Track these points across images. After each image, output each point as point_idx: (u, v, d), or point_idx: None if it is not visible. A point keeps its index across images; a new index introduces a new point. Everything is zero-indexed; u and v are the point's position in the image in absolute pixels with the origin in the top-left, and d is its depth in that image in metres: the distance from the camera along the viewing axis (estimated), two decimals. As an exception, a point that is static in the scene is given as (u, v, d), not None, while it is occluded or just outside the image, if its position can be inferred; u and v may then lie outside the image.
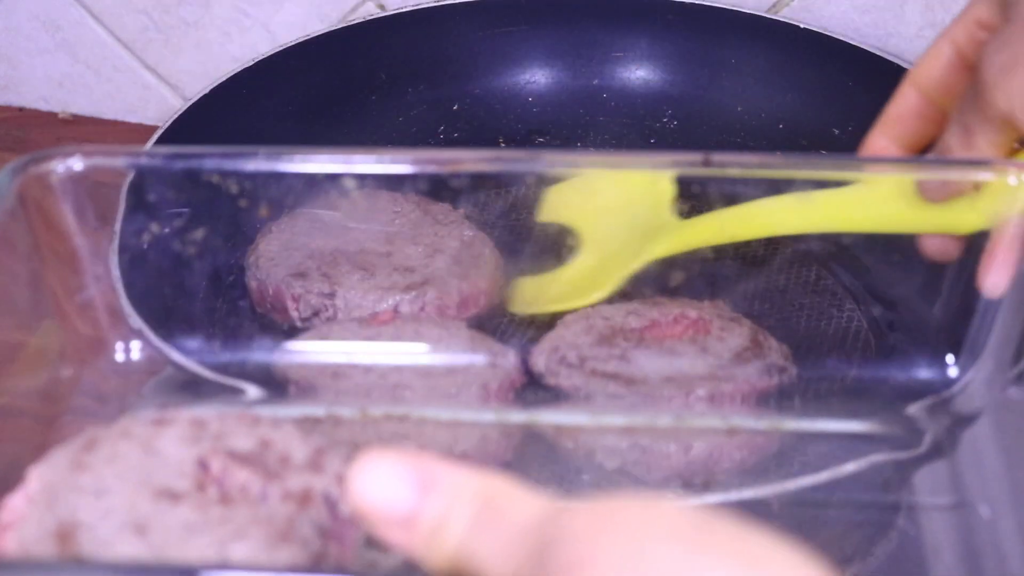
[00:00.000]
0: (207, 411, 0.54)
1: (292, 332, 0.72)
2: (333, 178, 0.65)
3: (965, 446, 0.62)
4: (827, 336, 0.74)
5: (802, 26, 0.90)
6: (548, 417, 0.65)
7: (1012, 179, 0.61)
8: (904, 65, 0.87)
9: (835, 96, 0.89)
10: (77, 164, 0.61)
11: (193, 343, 0.68)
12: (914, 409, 0.65)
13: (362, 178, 0.88)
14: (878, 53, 0.88)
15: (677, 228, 0.71)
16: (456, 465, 0.40)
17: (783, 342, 0.71)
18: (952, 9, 0.89)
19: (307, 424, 0.63)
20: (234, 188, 0.64)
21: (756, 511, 0.63)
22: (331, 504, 0.51)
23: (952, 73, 0.67)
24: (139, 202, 0.64)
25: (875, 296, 0.76)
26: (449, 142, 0.91)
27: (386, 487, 0.40)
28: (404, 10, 0.93)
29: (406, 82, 0.92)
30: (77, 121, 1.01)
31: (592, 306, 0.72)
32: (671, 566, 0.37)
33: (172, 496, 0.51)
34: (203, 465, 0.52)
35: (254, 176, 0.64)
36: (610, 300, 0.72)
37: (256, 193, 0.67)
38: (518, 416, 0.65)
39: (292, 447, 0.53)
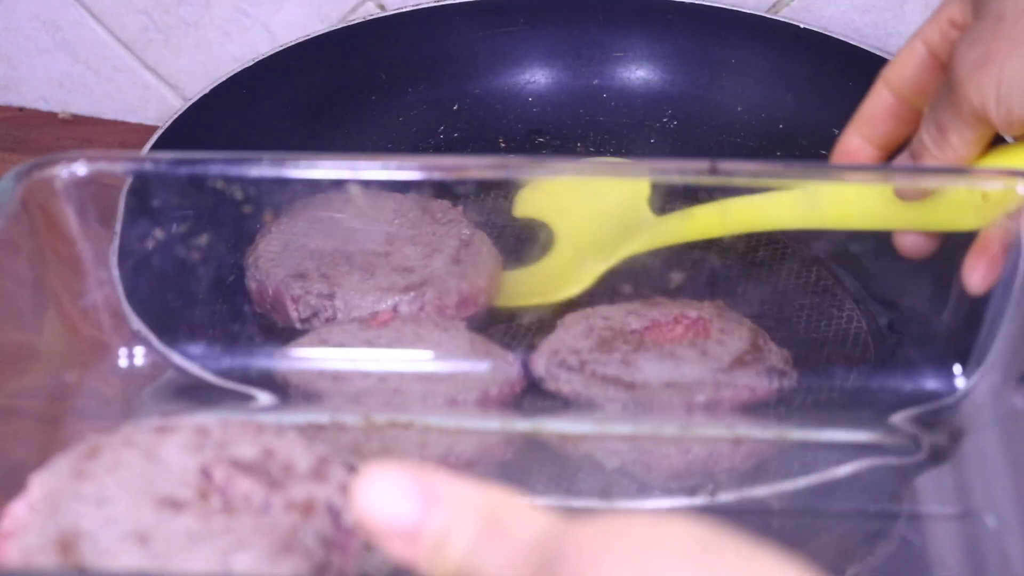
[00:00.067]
0: (210, 419, 0.54)
1: (292, 333, 0.72)
2: (335, 179, 0.65)
3: (971, 455, 0.62)
4: (827, 338, 0.74)
5: (802, 26, 0.90)
6: (553, 426, 0.65)
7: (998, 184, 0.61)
8: (904, 65, 0.87)
9: (835, 96, 0.88)
10: (81, 168, 0.61)
11: (194, 345, 0.68)
12: (916, 417, 0.64)
13: (365, 181, 0.89)
14: (878, 53, 0.88)
15: (654, 224, 0.71)
16: (461, 479, 0.40)
17: (783, 342, 0.71)
18: (952, 9, 0.90)
19: (310, 431, 0.63)
20: (237, 192, 0.65)
21: (756, 511, 0.63)
22: (334, 514, 0.51)
23: (925, 72, 0.66)
24: (139, 206, 0.64)
25: (875, 297, 0.76)
26: (449, 142, 0.91)
27: (390, 500, 0.40)
28: (404, 10, 0.93)
29: (406, 82, 0.92)
30: (77, 121, 1.01)
31: (592, 306, 0.72)
32: None
33: (175, 505, 0.51)
34: (206, 474, 0.52)
35: (258, 182, 0.64)
36: (610, 300, 0.72)
37: (258, 196, 0.67)
38: (522, 424, 0.65)
39: (295, 456, 0.53)
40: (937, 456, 0.63)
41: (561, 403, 0.67)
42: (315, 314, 0.72)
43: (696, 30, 0.92)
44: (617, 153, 0.91)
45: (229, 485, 0.52)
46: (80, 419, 0.63)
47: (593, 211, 0.75)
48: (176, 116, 0.85)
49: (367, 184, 0.87)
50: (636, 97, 0.92)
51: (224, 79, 0.88)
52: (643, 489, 0.64)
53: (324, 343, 0.70)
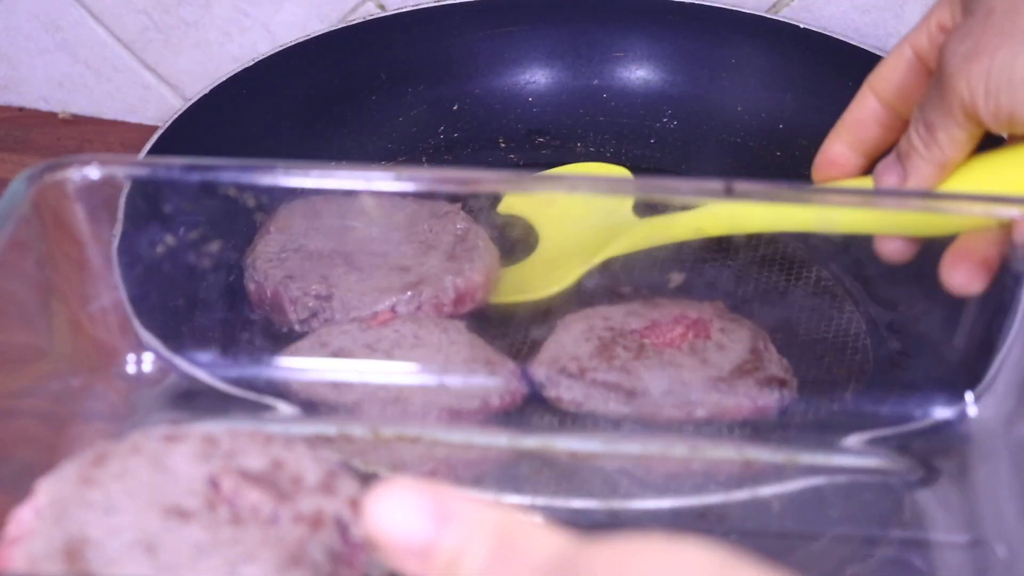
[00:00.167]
0: (218, 428, 0.54)
1: (293, 334, 0.72)
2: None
3: (982, 483, 0.62)
4: (827, 339, 0.74)
5: (802, 26, 0.91)
6: (561, 443, 0.65)
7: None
8: (904, 65, 0.87)
9: (835, 96, 0.88)
10: (93, 172, 0.61)
11: (197, 349, 0.68)
12: (926, 443, 0.64)
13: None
14: (878, 53, 0.88)
15: (637, 226, 0.71)
16: (475, 498, 0.40)
17: (783, 342, 0.71)
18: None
19: (318, 441, 0.63)
20: (240, 195, 0.65)
21: (756, 512, 0.63)
22: (343, 528, 0.51)
23: (912, 78, 0.66)
24: (140, 208, 0.64)
25: (875, 298, 0.76)
26: (449, 142, 0.91)
27: (403, 516, 0.40)
28: (404, 10, 0.93)
29: (406, 82, 0.92)
30: (77, 121, 1.01)
31: (593, 307, 0.72)
32: None
33: (182, 515, 0.51)
34: (214, 484, 0.52)
35: (270, 190, 0.65)
36: (611, 300, 0.72)
37: (262, 198, 0.68)
38: (531, 441, 0.65)
39: (304, 468, 0.53)
40: (947, 483, 0.63)
41: (562, 414, 0.67)
42: (313, 315, 0.72)
43: (696, 30, 0.92)
44: (617, 153, 0.91)
45: (237, 496, 0.52)
46: (87, 424, 0.63)
47: (576, 211, 0.75)
48: (176, 116, 0.86)
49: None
50: (636, 97, 0.92)
51: (224, 79, 0.88)
52: (643, 490, 0.64)
53: (324, 346, 0.70)
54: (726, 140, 0.90)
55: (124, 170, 0.61)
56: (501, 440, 0.65)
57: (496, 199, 0.79)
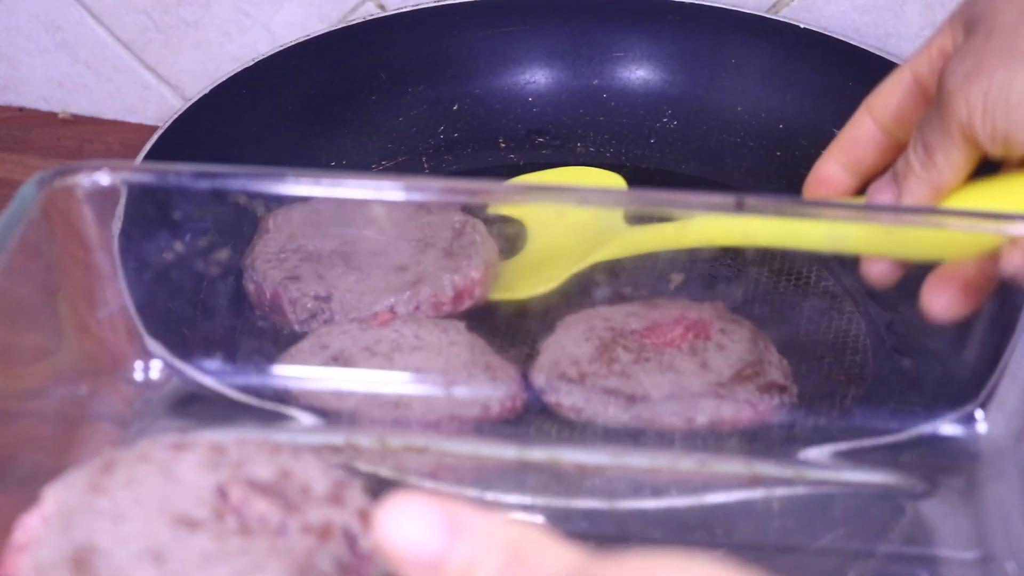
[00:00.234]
0: (226, 436, 0.54)
1: (294, 335, 0.72)
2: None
3: (991, 500, 0.62)
4: (828, 340, 0.74)
5: (802, 26, 0.91)
6: (569, 456, 0.65)
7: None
8: (904, 65, 0.87)
9: (835, 96, 0.89)
10: (104, 178, 0.61)
11: (201, 353, 0.68)
12: (936, 459, 0.64)
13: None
14: (878, 53, 0.88)
15: (627, 233, 0.71)
16: (488, 512, 0.40)
17: (783, 342, 0.71)
18: (952, 9, 0.90)
19: (325, 450, 0.63)
20: (248, 203, 0.65)
21: (757, 512, 0.63)
22: (351, 539, 0.51)
23: (910, 103, 0.66)
24: (141, 212, 0.63)
25: (876, 298, 0.76)
26: (449, 142, 0.91)
27: (415, 529, 0.40)
28: (404, 10, 0.93)
29: (406, 82, 0.92)
30: (77, 121, 1.01)
31: (594, 307, 0.72)
32: None
33: (190, 524, 0.51)
34: (222, 493, 0.52)
35: (278, 198, 0.65)
36: (611, 301, 0.73)
37: (267, 204, 0.68)
38: (539, 454, 0.65)
39: (313, 478, 0.53)
40: (955, 499, 0.63)
41: (562, 420, 0.67)
42: (313, 316, 0.72)
43: (696, 30, 0.92)
44: (617, 153, 0.91)
45: (245, 506, 0.52)
46: (93, 428, 0.63)
47: (566, 213, 0.75)
48: (176, 116, 0.86)
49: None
50: (636, 97, 0.92)
51: (224, 79, 0.88)
52: (644, 489, 0.64)
53: (324, 347, 0.70)
54: (726, 140, 0.91)
55: (133, 176, 0.61)
56: (509, 452, 0.64)
57: None
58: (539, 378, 0.69)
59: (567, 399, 0.68)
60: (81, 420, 0.63)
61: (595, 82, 0.93)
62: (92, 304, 0.63)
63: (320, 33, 0.92)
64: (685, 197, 0.65)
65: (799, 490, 0.64)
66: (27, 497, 0.53)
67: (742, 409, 0.67)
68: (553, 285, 0.73)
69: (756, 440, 0.66)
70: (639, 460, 0.65)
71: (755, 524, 0.63)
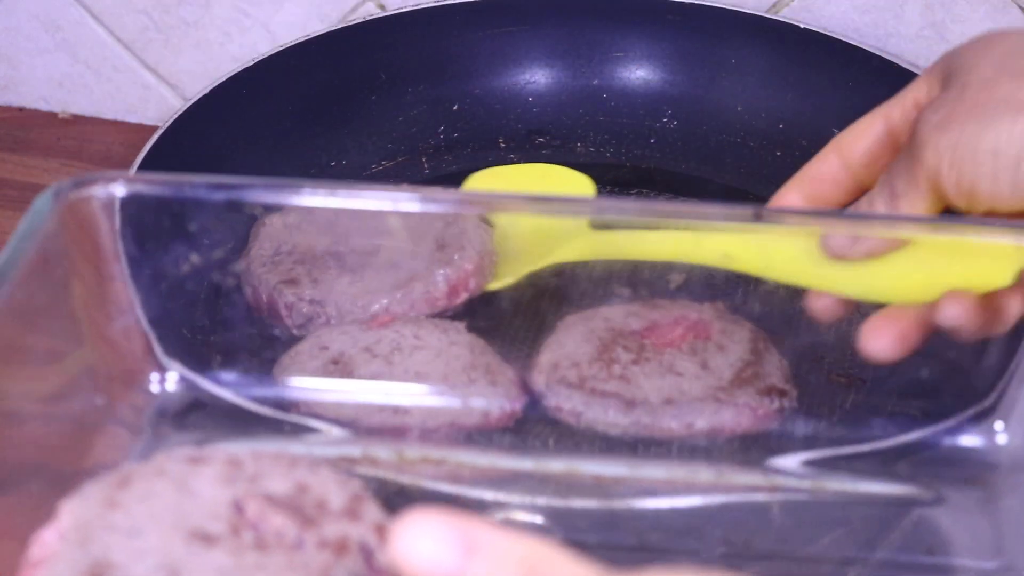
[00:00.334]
0: (242, 449, 0.54)
1: (293, 337, 0.72)
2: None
3: (1011, 510, 0.62)
4: (827, 342, 0.74)
5: (802, 26, 0.91)
6: (588, 468, 0.64)
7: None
8: (904, 65, 0.87)
9: (835, 96, 0.89)
10: (119, 190, 0.61)
11: (213, 363, 0.68)
12: (955, 469, 0.64)
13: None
14: (878, 53, 0.88)
15: (589, 237, 0.71)
16: (504, 529, 0.40)
17: (782, 343, 0.71)
18: (952, 9, 0.90)
19: (342, 464, 0.63)
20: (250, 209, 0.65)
21: (757, 510, 0.63)
22: (367, 554, 0.51)
23: (878, 149, 0.66)
24: (144, 222, 0.63)
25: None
26: (449, 142, 0.91)
27: (430, 546, 0.39)
28: (404, 10, 0.93)
29: (406, 82, 0.92)
30: (77, 121, 1.01)
31: (593, 307, 0.72)
32: None
33: (206, 539, 0.50)
34: (238, 508, 0.52)
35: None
36: (611, 302, 0.72)
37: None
38: (557, 465, 0.64)
39: (329, 492, 0.53)
40: (975, 509, 0.62)
41: (562, 425, 0.67)
42: (309, 320, 0.72)
43: (696, 30, 0.92)
44: (617, 153, 0.91)
45: (262, 520, 0.51)
46: (106, 437, 0.63)
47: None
48: (176, 116, 0.86)
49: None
50: (636, 97, 0.92)
51: (224, 79, 0.88)
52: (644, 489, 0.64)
53: (324, 348, 0.69)
54: (726, 140, 0.91)
55: (150, 188, 0.61)
56: (527, 464, 0.64)
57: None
58: (539, 381, 0.68)
59: (567, 403, 0.67)
60: (97, 429, 0.63)
61: (595, 82, 0.93)
62: (107, 314, 0.63)
63: (320, 33, 0.92)
64: (703, 209, 0.65)
65: (806, 497, 0.64)
66: (42, 504, 0.53)
67: (742, 413, 0.66)
68: (509, 282, 0.73)
69: (755, 445, 0.66)
70: (656, 471, 0.65)
71: (759, 529, 0.63)
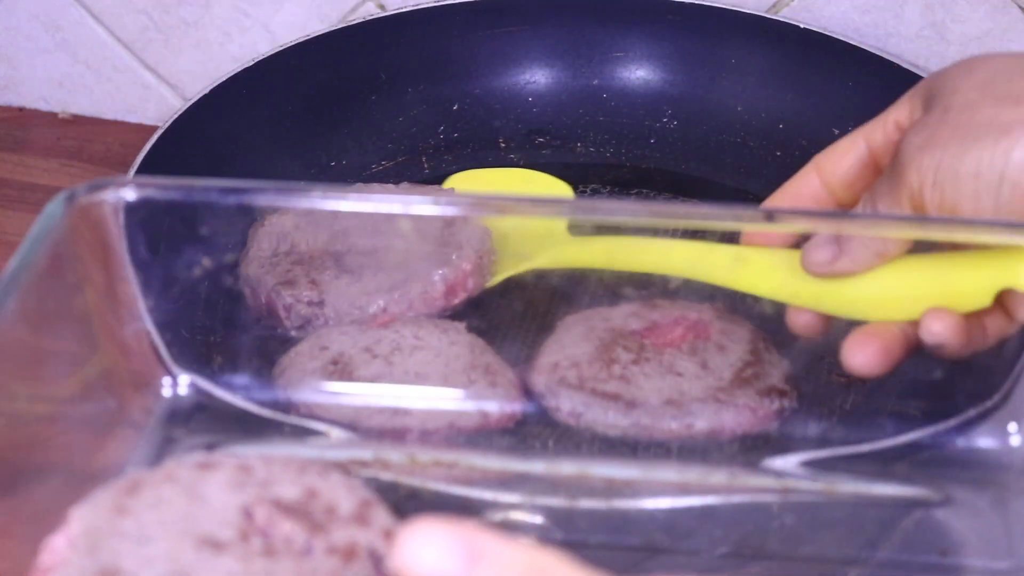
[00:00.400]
0: (252, 454, 0.54)
1: (294, 338, 0.72)
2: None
3: (1021, 511, 0.62)
4: (827, 342, 0.74)
5: (802, 26, 0.91)
6: (600, 470, 0.64)
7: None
8: (904, 65, 0.87)
9: (835, 96, 0.89)
10: (131, 194, 0.61)
11: (221, 366, 0.68)
12: (969, 471, 0.64)
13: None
14: (878, 53, 0.88)
15: (567, 244, 0.71)
16: (508, 538, 0.40)
17: (782, 343, 0.70)
18: (952, 9, 0.90)
19: (353, 467, 0.63)
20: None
21: (758, 510, 0.63)
22: (376, 560, 0.50)
23: (858, 170, 0.66)
24: (149, 227, 0.63)
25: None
26: (449, 142, 0.91)
27: (434, 555, 0.39)
28: (404, 10, 0.93)
29: (406, 82, 0.92)
30: (77, 121, 1.01)
31: (593, 307, 0.72)
32: None
33: (215, 545, 0.50)
34: (248, 514, 0.52)
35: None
36: (611, 302, 0.72)
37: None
38: (568, 468, 0.64)
39: (339, 498, 0.53)
40: (987, 511, 0.62)
41: (562, 426, 0.67)
42: (307, 322, 0.72)
43: (696, 30, 0.92)
44: (617, 153, 0.91)
45: (271, 526, 0.51)
46: (121, 442, 0.63)
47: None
48: (176, 116, 0.86)
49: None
50: (636, 97, 0.92)
51: (224, 79, 0.88)
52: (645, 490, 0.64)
53: (324, 348, 0.69)
54: (726, 140, 0.91)
55: (161, 193, 0.61)
56: (538, 467, 0.64)
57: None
58: (539, 382, 0.68)
59: (566, 404, 0.67)
60: (108, 431, 0.63)
61: (595, 82, 0.93)
62: (119, 318, 0.63)
63: (320, 33, 0.92)
64: (713, 210, 0.65)
65: (812, 498, 0.64)
66: (53, 506, 0.53)
67: (742, 414, 0.66)
68: (500, 278, 0.74)
69: (757, 445, 0.66)
70: (669, 474, 0.65)
71: (763, 530, 0.63)
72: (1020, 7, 0.89)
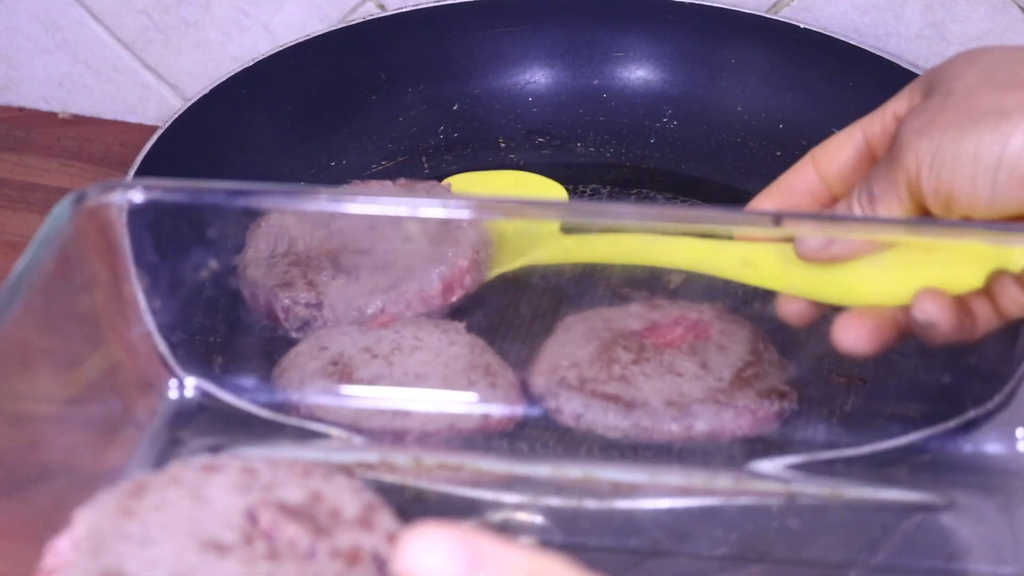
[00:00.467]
0: (257, 456, 0.54)
1: (295, 339, 0.72)
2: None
3: None
4: (827, 341, 0.74)
5: (802, 26, 0.91)
6: (605, 474, 0.64)
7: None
8: (904, 65, 0.87)
9: (835, 96, 0.89)
10: (137, 196, 0.61)
11: (224, 367, 0.68)
12: (975, 476, 0.64)
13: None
14: (878, 53, 0.88)
15: (558, 240, 0.71)
16: (511, 544, 0.40)
17: (782, 343, 0.71)
18: (952, 9, 0.90)
19: (358, 470, 0.63)
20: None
21: (758, 511, 0.63)
22: (380, 563, 0.51)
23: (854, 162, 0.66)
24: (152, 231, 0.63)
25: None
26: (449, 142, 0.91)
27: (437, 561, 0.39)
28: (404, 10, 0.93)
29: (406, 82, 0.92)
30: (77, 121, 1.01)
31: (593, 307, 0.72)
32: None
33: (219, 548, 0.50)
34: (252, 517, 0.52)
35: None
36: (611, 303, 0.72)
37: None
38: (574, 471, 0.64)
39: (343, 501, 0.53)
40: (993, 516, 0.62)
41: (562, 428, 0.67)
42: (306, 323, 0.72)
43: (696, 30, 0.92)
44: (617, 153, 0.91)
45: (275, 530, 0.51)
46: (127, 443, 0.63)
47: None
48: (176, 116, 0.86)
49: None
50: (636, 97, 0.92)
51: (224, 79, 0.88)
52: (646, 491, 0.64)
53: (324, 349, 0.69)
54: (726, 140, 0.91)
55: (167, 196, 0.61)
56: (544, 470, 0.64)
57: None
58: (539, 383, 0.68)
59: (566, 406, 0.67)
60: (114, 433, 0.63)
61: (595, 82, 0.93)
62: (125, 320, 0.63)
63: (320, 33, 0.92)
64: (722, 213, 0.65)
65: (815, 502, 0.64)
66: (58, 507, 0.53)
67: (742, 416, 0.66)
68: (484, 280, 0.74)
69: (757, 447, 0.66)
70: (674, 478, 0.65)
71: (764, 532, 0.63)
72: (1020, 7, 0.89)
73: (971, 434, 0.65)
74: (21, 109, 1.02)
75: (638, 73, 0.93)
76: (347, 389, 0.67)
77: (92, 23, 0.98)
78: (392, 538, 0.52)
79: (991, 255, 0.61)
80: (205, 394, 0.65)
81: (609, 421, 0.66)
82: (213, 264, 0.65)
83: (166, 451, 0.63)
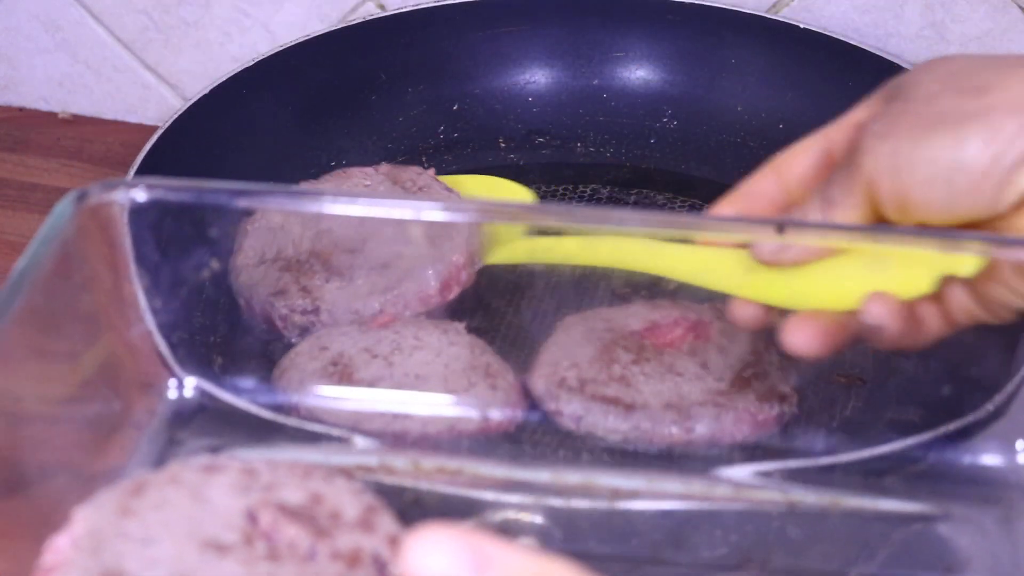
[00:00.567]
0: (257, 457, 0.54)
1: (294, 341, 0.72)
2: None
3: None
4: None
5: (802, 26, 0.91)
6: (605, 480, 0.64)
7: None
8: (904, 65, 0.87)
9: (835, 96, 0.88)
10: (140, 195, 0.61)
11: (224, 368, 0.68)
12: (976, 488, 0.64)
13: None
14: (878, 53, 0.88)
15: (518, 240, 0.71)
16: (515, 547, 0.40)
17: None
18: (952, 9, 0.90)
19: (359, 472, 0.63)
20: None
21: (759, 513, 0.63)
22: (380, 565, 0.51)
23: (816, 170, 0.66)
24: (153, 231, 0.63)
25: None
26: (449, 142, 0.91)
27: (442, 563, 0.39)
28: (404, 10, 0.93)
29: (406, 82, 0.92)
30: (77, 121, 1.01)
31: (593, 308, 0.72)
32: None
33: (219, 548, 0.50)
34: (252, 517, 0.52)
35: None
36: (611, 303, 0.72)
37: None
38: (574, 477, 0.64)
39: (344, 503, 0.53)
40: (993, 527, 0.62)
41: (563, 431, 0.67)
42: (304, 330, 0.72)
43: (696, 30, 0.92)
44: (617, 153, 0.91)
45: (275, 530, 0.51)
46: (126, 443, 0.63)
47: None
48: (176, 116, 0.86)
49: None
50: (636, 97, 0.92)
51: (224, 79, 0.88)
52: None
53: (324, 349, 0.69)
54: (726, 140, 0.91)
55: (170, 195, 0.61)
56: (544, 476, 0.64)
57: None
58: (539, 384, 0.68)
59: (566, 407, 0.67)
60: (113, 432, 0.63)
61: (595, 82, 0.93)
62: (125, 319, 0.63)
63: (320, 33, 0.92)
64: (725, 223, 0.65)
65: (814, 509, 0.64)
66: (57, 506, 0.53)
67: (743, 419, 0.66)
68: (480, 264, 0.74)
69: (757, 451, 0.66)
70: (674, 486, 0.65)
71: (762, 538, 0.63)
72: (1020, 7, 0.89)
73: (970, 445, 0.65)
74: (21, 109, 1.02)
75: (638, 73, 0.93)
76: (347, 390, 0.67)
77: (92, 23, 0.98)
78: (393, 540, 0.52)
79: (941, 262, 0.60)
80: (205, 394, 0.65)
81: (609, 424, 0.66)
82: (214, 264, 0.66)
83: (165, 451, 0.63)
